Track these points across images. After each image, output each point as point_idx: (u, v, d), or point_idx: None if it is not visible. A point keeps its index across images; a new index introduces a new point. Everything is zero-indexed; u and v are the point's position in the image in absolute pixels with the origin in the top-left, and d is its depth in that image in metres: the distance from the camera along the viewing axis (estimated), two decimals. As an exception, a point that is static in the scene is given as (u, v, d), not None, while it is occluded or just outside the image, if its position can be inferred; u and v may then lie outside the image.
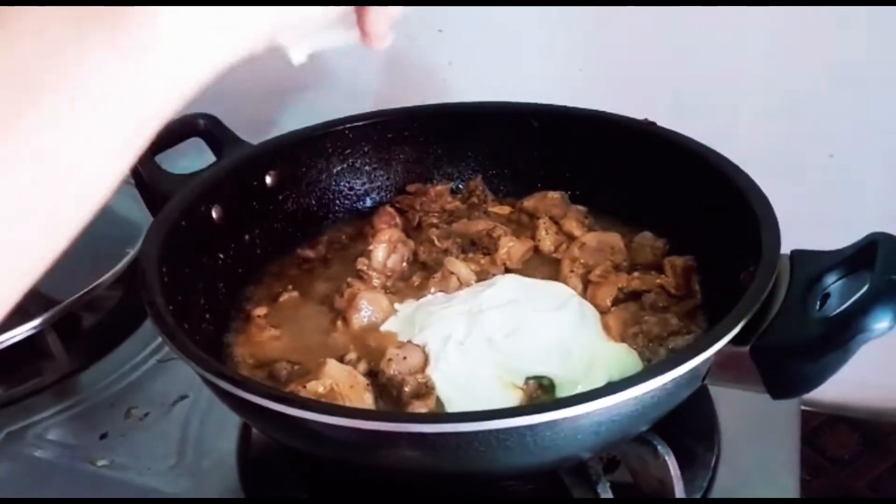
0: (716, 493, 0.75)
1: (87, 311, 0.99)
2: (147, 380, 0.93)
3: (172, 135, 0.87)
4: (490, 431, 0.53)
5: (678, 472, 0.71)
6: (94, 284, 0.94)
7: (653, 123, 0.85)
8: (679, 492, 0.71)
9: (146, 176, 0.83)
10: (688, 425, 0.79)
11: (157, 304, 0.65)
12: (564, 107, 0.90)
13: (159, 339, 0.96)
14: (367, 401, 0.66)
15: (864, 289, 0.58)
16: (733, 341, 0.59)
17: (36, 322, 0.89)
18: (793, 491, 0.76)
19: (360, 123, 0.92)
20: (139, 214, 0.98)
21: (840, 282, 0.64)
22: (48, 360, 0.92)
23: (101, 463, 0.83)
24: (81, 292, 0.93)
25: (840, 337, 0.56)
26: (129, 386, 0.92)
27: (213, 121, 0.90)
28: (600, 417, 0.56)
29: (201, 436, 0.85)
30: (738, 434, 0.81)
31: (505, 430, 0.53)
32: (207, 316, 0.77)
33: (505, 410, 0.54)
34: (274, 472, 0.79)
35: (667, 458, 0.70)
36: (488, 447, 0.54)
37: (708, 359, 0.58)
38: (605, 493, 0.68)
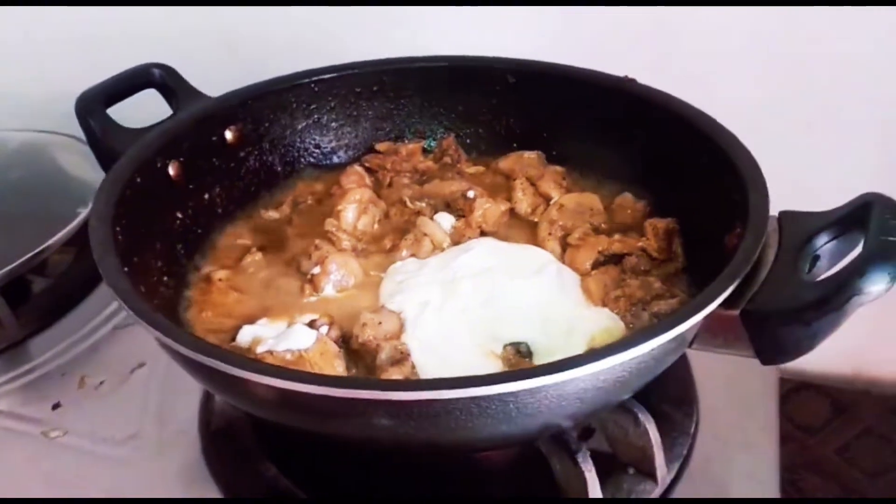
0: (695, 460, 0.74)
1: (36, 274, 0.94)
2: (102, 347, 0.88)
3: (125, 86, 0.81)
4: (471, 398, 0.50)
5: (659, 440, 0.69)
6: (43, 246, 0.89)
7: (633, 80, 0.82)
8: (660, 459, 0.70)
9: (98, 130, 0.78)
10: (666, 392, 0.78)
11: (109, 264, 0.61)
12: (541, 62, 0.86)
13: (114, 305, 0.92)
14: (338, 369, 0.63)
15: (859, 250, 0.56)
16: (723, 304, 0.57)
17: (-19, 287, 0.84)
18: (772, 456, 0.75)
19: (326, 77, 0.88)
20: (90, 173, 0.94)
21: (830, 244, 0.62)
22: (-5, 327, 0.87)
23: (54, 434, 0.79)
24: (30, 254, 0.88)
25: (835, 300, 0.54)
26: (82, 354, 0.88)
27: (168, 71, 0.84)
28: (585, 384, 0.53)
29: (161, 405, 0.81)
30: (717, 400, 0.80)
31: (487, 398, 0.50)
32: (165, 279, 0.73)
33: (488, 377, 0.51)
34: (238, 443, 0.76)
35: (648, 425, 0.68)
36: (469, 415, 0.52)
37: (698, 322, 0.55)
38: (585, 460, 0.65)
